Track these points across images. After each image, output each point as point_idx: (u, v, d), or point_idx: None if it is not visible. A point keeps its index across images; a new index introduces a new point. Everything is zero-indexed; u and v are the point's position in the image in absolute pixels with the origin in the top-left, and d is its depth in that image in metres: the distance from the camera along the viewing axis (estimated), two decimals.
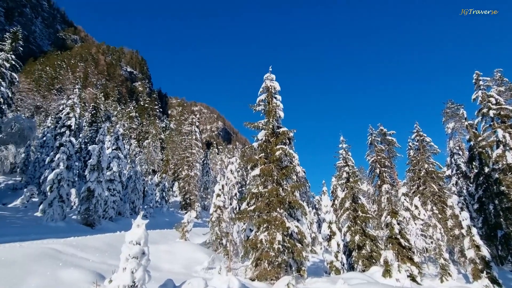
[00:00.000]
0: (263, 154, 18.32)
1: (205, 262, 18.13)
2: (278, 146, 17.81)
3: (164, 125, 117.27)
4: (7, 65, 29.16)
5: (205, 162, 63.46)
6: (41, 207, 25.07)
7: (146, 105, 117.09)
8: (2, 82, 28.29)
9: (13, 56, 29.90)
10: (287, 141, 18.81)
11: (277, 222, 16.08)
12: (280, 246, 15.44)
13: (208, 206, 57.04)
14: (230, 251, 19.43)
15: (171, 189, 60.54)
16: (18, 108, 57.45)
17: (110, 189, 31.44)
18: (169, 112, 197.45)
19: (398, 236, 21.66)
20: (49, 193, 24.72)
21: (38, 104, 66.12)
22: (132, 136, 72.03)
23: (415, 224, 22.62)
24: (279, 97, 18.98)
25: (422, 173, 32.12)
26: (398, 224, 22.04)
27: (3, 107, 29.51)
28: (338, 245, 21.79)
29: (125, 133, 57.58)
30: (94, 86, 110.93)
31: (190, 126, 59.02)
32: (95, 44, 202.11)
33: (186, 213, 32.34)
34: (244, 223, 19.40)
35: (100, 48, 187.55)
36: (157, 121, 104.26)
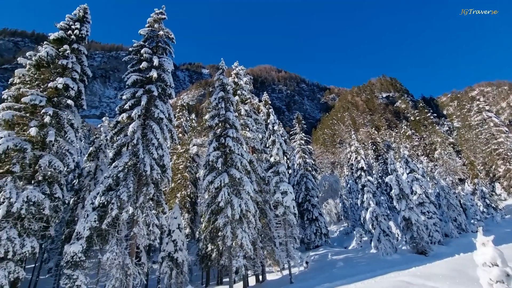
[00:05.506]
0: None
1: None
2: None
3: (447, 128, 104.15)
4: (303, 142, 38.24)
5: None
6: (372, 244, 28.06)
7: (417, 118, 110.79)
8: (306, 155, 36.99)
9: (303, 134, 39.05)
10: None
11: None
12: None
13: None
14: None
15: (493, 193, 49.78)
16: (322, 170, 71.51)
17: (423, 212, 30.49)
18: (444, 112, 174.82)
19: None
20: (373, 230, 27.51)
21: (332, 160, 79.46)
22: (419, 154, 68.76)
23: None
24: None
25: None
26: None
27: (313, 173, 38.03)
28: None
29: (411, 154, 56.16)
30: (364, 126, 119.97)
31: (479, 114, 49.01)
32: (347, 92, 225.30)
33: None
34: None
35: (353, 92, 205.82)
36: (437, 127, 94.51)
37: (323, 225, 35.96)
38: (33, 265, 28.88)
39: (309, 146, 39.50)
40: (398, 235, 33.31)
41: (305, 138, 39.28)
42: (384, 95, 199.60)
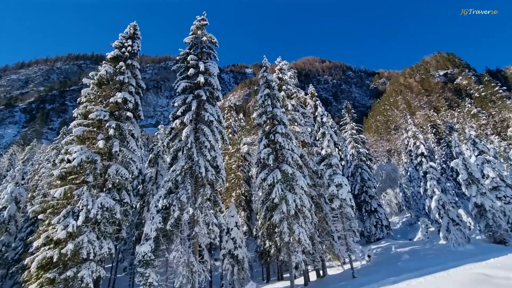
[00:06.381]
0: None
1: None
2: None
3: None
4: (354, 131, 36.86)
5: None
6: (441, 234, 26.01)
7: (483, 93, 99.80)
8: (359, 145, 35.55)
9: (354, 124, 37.61)
10: None
11: None
12: None
13: None
14: None
15: None
16: (377, 159, 68.16)
17: (499, 197, 27.44)
18: None
19: None
20: (440, 220, 25.49)
21: (387, 148, 75.30)
22: (488, 133, 62.02)
23: None
24: None
25: None
26: None
27: (368, 163, 36.40)
28: None
29: (478, 134, 50.86)
30: (420, 108, 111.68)
31: None
32: (399, 74, 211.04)
33: None
34: None
35: (406, 73, 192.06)
36: (508, 102, 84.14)
37: (383, 217, 34.29)
38: (111, 265, 31.91)
39: (361, 135, 37.88)
40: (470, 223, 30.50)
41: (357, 127, 37.70)
42: (441, 72, 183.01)
